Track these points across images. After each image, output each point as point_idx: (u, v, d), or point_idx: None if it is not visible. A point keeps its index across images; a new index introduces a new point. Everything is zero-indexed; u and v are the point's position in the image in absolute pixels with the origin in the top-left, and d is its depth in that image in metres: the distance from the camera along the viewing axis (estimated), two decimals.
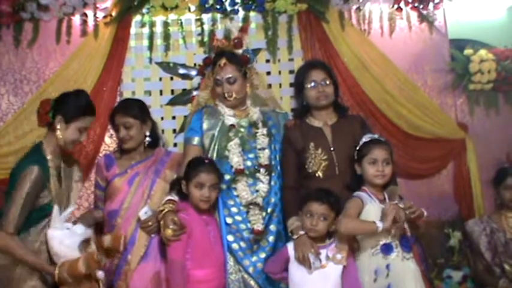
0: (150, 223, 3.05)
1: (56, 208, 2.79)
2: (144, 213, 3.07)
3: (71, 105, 2.93)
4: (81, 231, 2.82)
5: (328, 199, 2.86)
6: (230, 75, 3.19)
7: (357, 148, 3.00)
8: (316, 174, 3.10)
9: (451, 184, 4.56)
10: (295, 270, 2.87)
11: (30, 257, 2.76)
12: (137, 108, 3.26)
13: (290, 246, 2.93)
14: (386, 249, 2.83)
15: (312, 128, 3.20)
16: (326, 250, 2.86)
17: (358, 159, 2.99)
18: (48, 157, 2.91)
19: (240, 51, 3.29)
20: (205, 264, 2.94)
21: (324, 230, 2.87)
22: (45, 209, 2.87)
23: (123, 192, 3.16)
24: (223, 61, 3.20)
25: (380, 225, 2.76)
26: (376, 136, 3.05)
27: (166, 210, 2.94)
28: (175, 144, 4.24)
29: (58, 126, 2.90)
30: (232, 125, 3.19)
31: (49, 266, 2.76)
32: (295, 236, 2.93)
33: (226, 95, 3.19)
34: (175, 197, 3.01)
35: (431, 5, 4.64)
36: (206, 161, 3.04)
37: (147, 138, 3.26)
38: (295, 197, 3.07)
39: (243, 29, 3.42)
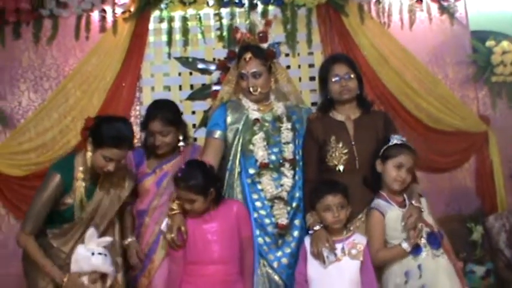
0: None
1: (92, 229, 2.95)
2: (165, 224, 3.14)
3: (100, 132, 2.97)
4: (97, 263, 2.90)
5: (338, 188, 2.96)
6: (255, 70, 3.25)
7: (385, 147, 3.05)
8: (337, 168, 3.15)
9: (473, 178, 4.59)
10: (312, 265, 2.94)
11: (40, 259, 2.94)
12: (174, 115, 3.33)
13: (307, 241, 3.00)
14: (415, 249, 2.88)
15: (335, 121, 3.25)
16: (343, 244, 2.93)
17: (382, 158, 3.05)
18: (79, 168, 3.01)
19: (265, 45, 3.35)
20: (203, 261, 2.99)
21: (345, 218, 2.96)
22: (63, 215, 3.02)
23: (152, 193, 3.27)
24: (248, 55, 3.25)
25: (406, 246, 2.86)
26: (406, 142, 3.09)
27: (175, 211, 3.03)
28: (195, 139, 4.28)
29: (88, 148, 2.99)
30: (256, 119, 3.24)
31: (57, 272, 2.93)
32: (311, 231, 3.01)
33: (251, 89, 3.24)
34: None
35: None
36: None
37: (181, 143, 3.35)
38: None
39: (268, 23, 3.44)
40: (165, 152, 3.33)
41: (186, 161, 3.12)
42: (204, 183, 2.97)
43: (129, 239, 3.24)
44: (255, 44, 3.35)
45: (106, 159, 2.95)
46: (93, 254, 2.90)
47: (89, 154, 2.99)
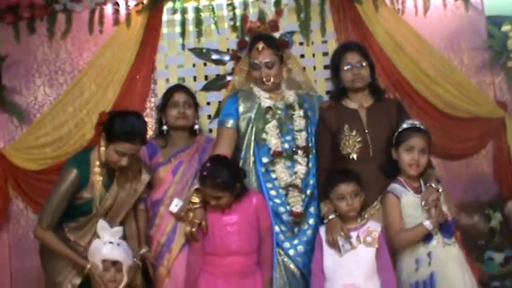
0: (183, 214, 3.19)
1: (101, 222, 3.01)
2: (175, 206, 3.23)
3: (113, 127, 3.03)
4: (106, 252, 2.96)
5: (352, 176, 2.98)
6: (268, 60, 3.27)
7: (395, 133, 3.07)
8: (350, 157, 3.18)
9: (490, 164, 4.57)
10: (328, 254, 2.97)
11: (64, 249, 3.03)
12: (193, 94, 3.50)
13: (322, 231, 3.03)
14: (426, 236, 2.90)
15: (347, 110, 3.27)
16: (357, 232, 2.95)
17: (395, 145, 3.06)
18: (96, 163, 3.08)
19: (276, 34, 3.39)
20: (221, 252, 3.04)
21: (359, 206, 2.99)
22: (80, 209, 3.09)
23: (168, 182, 3.32)
24: (261, 45, 3.27)
25: (428, 224, 2.86)
26: (416, 123, 3.11)
27: (197, 205, 3.08)
28: (210, 130, 4.33)
29: (102, 143, 3.06)
30: (269, 107, 3.28)
31: (81, 259, 3.01)
32: (326, 220, 3.04)
33: (264, 79, 3.27)
34: None
35: None
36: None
37: (196, 126, 3.45)
38: None
39: (278, 12, 3.49)
40: (179, 137, 3.42)
41: (209, 157, 3.17)
42: (230, 179, 3.02)
43: (144, 250, 3.27)
44: (266, 33, 3.38)
45: (119, 153, 3.01)
46: (104, 244, 2.97)
47: (102, 149, 3.06)
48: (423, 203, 2.93)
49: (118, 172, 3.14)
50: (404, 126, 3.08)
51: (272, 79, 3.29)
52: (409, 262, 2.96)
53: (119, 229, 3.05)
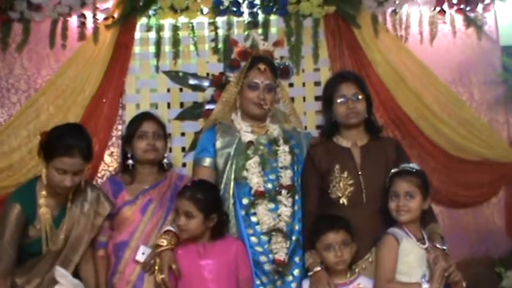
0: (152, 262, 3.22)
1: (58, 269, 3.05)
2: (141, 254, 3.26)
3: (48, 142, 3.07)
4: None
5: (341, 223, 3.04)
6: (269, 82, 3.36)
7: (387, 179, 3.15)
8: (341, 201, 3.21)
9: (502, 215, 4.67)
10: None
11: None
12: (163, 124, 3.56)
13: (305, 285, 3.09)
14: None
15: (339, 148, 3.31)
16: None
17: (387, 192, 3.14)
18: (41, 193, 3.11)
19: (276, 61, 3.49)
20: None
21: (350, 257, 3.04)
22: (27, 249, 3.11)
23: (135, 222, 3.35)
24: (263, 66, 3.37)
25: (427, 287, 2.92)
26: (407, 166, 3.16)
27: (164, 248, 3.12)
28: (184, 164, 4.43)
29: (43, 166, 3.10)
30: (250, 142, 3.34)
31: None
32: (310, 273, 3.08)
33: (262, 102, 3.34)
34: (175, 228, 3.17)
35: (480, 6, 4.81)
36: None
37: (165, 160, 3.51)
38: None
39: (279, 43, 3.64)
40: (147, 172, 3.46)
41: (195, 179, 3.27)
42: (211, 203, 3.14)
43: None
44: (267, 57, 3.47)
45: (59, 171, 3.02)
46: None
47: (44, 171, 3.08)
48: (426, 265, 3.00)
49: (71, 202, 3.18)
50: (393, 171, 3.15)
51: (268, 104, 3.37)
52: None
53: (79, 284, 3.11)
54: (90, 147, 3.16)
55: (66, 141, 3.02)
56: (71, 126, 3.26)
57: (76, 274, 3.23)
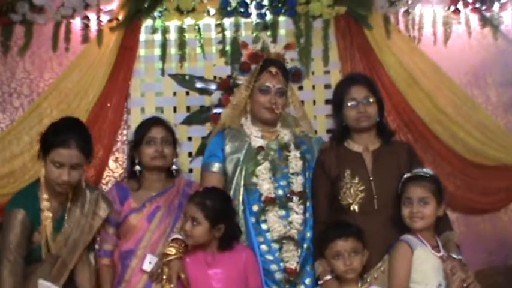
0: (159, 271, 3.22)
1: (41, 283, 3.04)
2: (148, 263, 3.26)
3: (44, 136, 3.12)
4: None
5: (350, 231, 3.05)
6: (281, 86, 3.38)
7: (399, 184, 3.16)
8: (351, 208, 3.22)
9: None
10: None
11: None
12: (172, 129, 3.56)
13: None
14: None
15: (350, 153, 3.33)
16: None
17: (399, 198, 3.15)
18: (44, 196, 3.12)
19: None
20: None
21: (360, 266, 3.04)
22: (31, 255, 3.11)
23: (142, 231, 3.36)
24: (274, 69, 3.38)
25: None
26: (421, 170, 3.17)
27: (173, 257, 3.13)
28: (190, 170, 4.43)
29: (43, 164, 3.13)
30: (260, 147, 3.36)
31: None
32: (320, 282, 3.11)
33: (273, 106, 3.35)
34: (183, 236, 3.16)
35: (496, 5, 4.78)
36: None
37: (174, 166, 3.51)
38: None
39: (290, 46, 3.63)
40: (154, 179, 3.47)
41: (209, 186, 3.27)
42: (219, 212, 3.12)
43: None
44: (279, 61, 3.47)
45: (56, 165, 3.04)
46: None
47: (42, 172, 3.11)
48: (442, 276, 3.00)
49: (71, 203, 3.19)
50: (405, 176, 3.16)
51: (280, 109, 3.38)
52: None
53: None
54: (88, 140, 3.18)
55: (61, 133, 3.07)
56: (67, 120, 3.30)
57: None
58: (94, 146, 3.28)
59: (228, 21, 4.65)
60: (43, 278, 3.09)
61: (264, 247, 3.26)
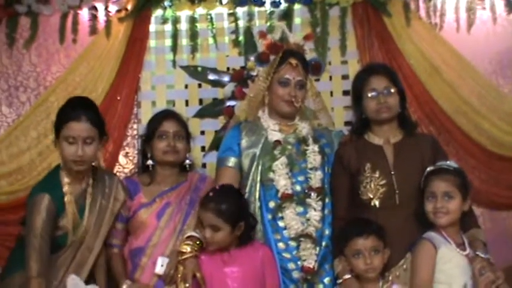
0: (172, 272, 3.22)
1: (72, 278, 3.10)
2: (160, 266, 3.26)
3: (57, 117, 3.23)
4: None
5: (371, 228, 3.04)
6: (301, 78, 3.36)
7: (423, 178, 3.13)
8: (372, 203, 3.21)
9: None
10: None
11: None
12: (185, 123, 3.57)
13: None
14: None
15: (371, 145, 3.32)
16: None
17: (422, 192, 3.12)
18: (65, 180, 3.20)
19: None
20: None
21: (381, 265, 3.03)
22: (57, 242, 3.17)
23: (151, 228, 3.36)
24: (295, 61, 3.35)
25: None
26: (445, 163, 3.15)
27: (188, 255, 3.12)
28: (203, 165, 4.43)
29: (58, 146, 3.22)
30: (277, 141, 3.34)
31: None
32: (339, 280, 3.10)
33: (293, 99, 3.34)
34: (198, 234, 3.17)
35: None
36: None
37: (187, 161, 3.51)
38: None
39: (309, 37, 3.59)
40: (167, 174, 3.47)
41: (216, 186, 3.26)
42: (237, 212, 3.13)
43: (125, 286, 3.31)
44: (300, 53, 3.46)
45: (69, 140, 3.13)
46: None
47: (59, 152, 3.20)
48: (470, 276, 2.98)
49: (92, 189, 3.26)
50: (428, 169, 3.13)
51: (300, 102, 3.37)
52: None
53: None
54: (98, 113, 3.29)
55: (71, 108, 3.19)
56: (76, 97, 3.46)
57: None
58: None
59: (241, 10, 4.65)
60: (67, 264, 3.17)
61: (281, 245, 3.25)
